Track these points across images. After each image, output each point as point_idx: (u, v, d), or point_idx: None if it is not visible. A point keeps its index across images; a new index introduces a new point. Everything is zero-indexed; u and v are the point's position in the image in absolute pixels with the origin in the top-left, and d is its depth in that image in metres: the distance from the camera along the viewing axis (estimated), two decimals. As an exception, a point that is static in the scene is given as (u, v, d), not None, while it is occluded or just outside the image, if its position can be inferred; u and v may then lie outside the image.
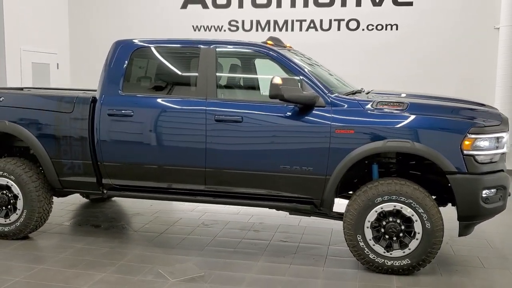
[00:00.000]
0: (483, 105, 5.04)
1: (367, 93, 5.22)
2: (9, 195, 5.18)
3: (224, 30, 10.60)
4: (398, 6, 9.88)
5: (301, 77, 4.56)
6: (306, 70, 4.70)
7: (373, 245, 4.40)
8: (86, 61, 11.19)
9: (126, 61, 4.95)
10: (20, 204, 5.15)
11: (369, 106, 4.45)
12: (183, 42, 5.16)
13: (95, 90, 5.09)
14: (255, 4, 10.45)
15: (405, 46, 9.85)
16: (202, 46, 4.86)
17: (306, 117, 4.48)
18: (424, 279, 4.37)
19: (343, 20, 10.14)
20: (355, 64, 9.69)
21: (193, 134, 4.71)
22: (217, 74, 4.84)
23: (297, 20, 10.33)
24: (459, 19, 9.64)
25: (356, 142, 4.37)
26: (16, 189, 5.14)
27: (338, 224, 5.89)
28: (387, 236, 4.37)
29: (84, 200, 7.02)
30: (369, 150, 4.35)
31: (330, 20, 10.19)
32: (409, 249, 4.33)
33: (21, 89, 6.67)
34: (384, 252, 4.38)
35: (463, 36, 9.63)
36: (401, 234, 4.35)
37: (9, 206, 5.20)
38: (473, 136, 4.20)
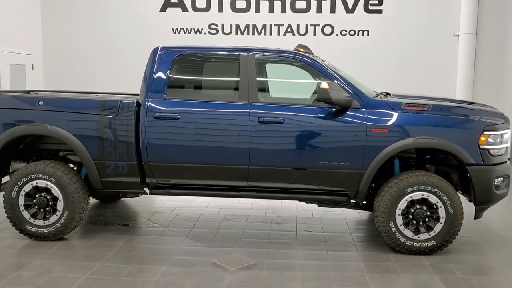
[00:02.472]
0: (472, 103, 5.83)
1: (385, 95, 5.80)
2: (48, 197, 5.29)
3: (204, 33, 10.90)
4: (369, 14, 10.67)
5: (336, 81, 5.07)
6: (340, 75, 5.22)
7: (403, 230, 5.01)
8: (59, 62, 11.06)
9: (168, 67, 5.23)
10: (60, 205, 5.27)
11: (398, 107, 5.04)
12: (222, 49, 5.51)
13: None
14: (234, 9, 10.83)
15: (375, 50, 10.67)
16: (242, 53, 5.25)
17: (343, 118, 5.00)
18: (447, 257, 5.05)
19: (319, 25, 10.79)
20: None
21: (237, 135, 5.07)
22: (257, 79, 5.24)
23: (275, 25, 10.85)
24: (423, 26, 10.61)
25: (389, 140, 4.95)
26: (56, 191, 5.25)
27: (349, 214, 6.57)
28: (415, 222, 5.00)
29: (94, 201, 7.14)
30: (402, 146, 4.95)
31: (307, 25, 10.80)
32: (434, 231, 4.98)
33: (28, 92, 6.66)
34: (413, 236, 5.01)
35: (427, 42, 10.61)
36: (427, 219, 4.99)
37: (47, 208, 5.31)
38: (487, 132, 4.93)
